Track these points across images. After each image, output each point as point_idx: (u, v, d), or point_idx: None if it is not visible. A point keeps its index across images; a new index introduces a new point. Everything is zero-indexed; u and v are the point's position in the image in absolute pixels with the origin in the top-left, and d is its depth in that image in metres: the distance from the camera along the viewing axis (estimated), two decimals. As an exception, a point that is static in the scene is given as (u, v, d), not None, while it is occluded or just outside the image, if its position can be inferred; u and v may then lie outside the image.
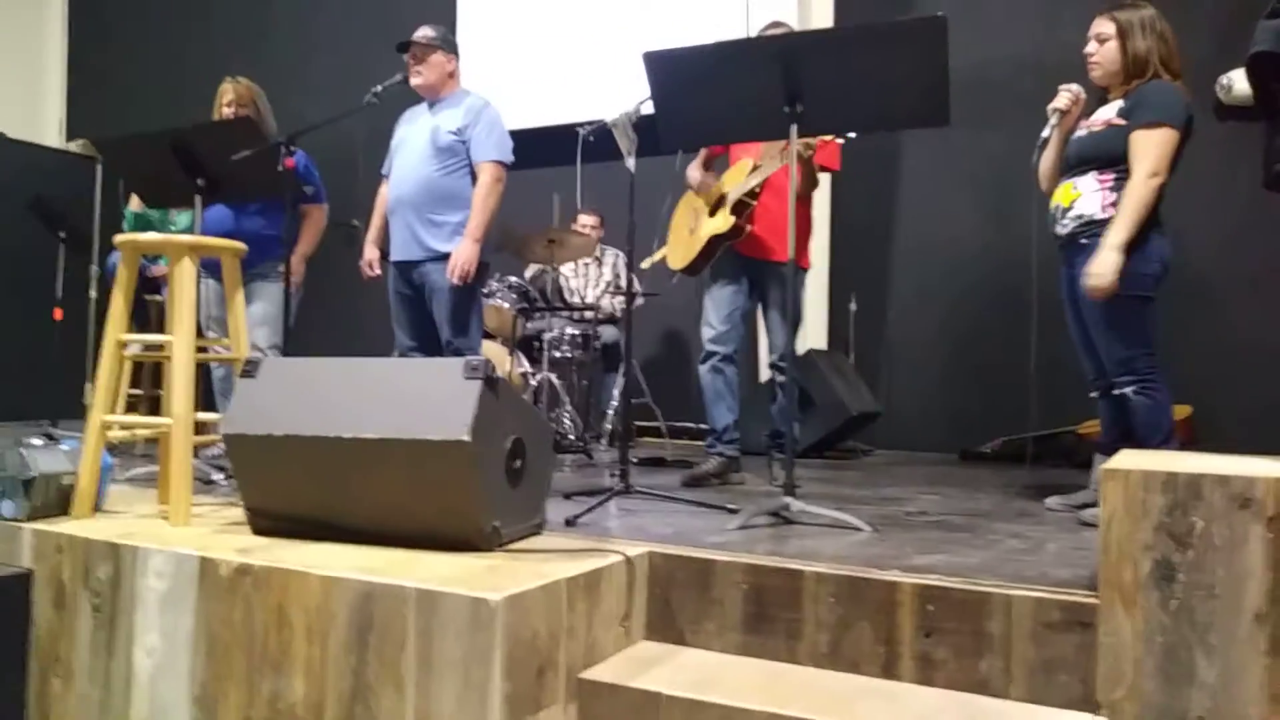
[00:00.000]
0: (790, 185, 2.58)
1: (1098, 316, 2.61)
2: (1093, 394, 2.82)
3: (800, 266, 3.30)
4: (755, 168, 3.24)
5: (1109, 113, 2.66)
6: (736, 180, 3.30)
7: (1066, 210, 2.68)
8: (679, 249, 3.48)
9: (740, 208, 3.24)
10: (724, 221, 3.25)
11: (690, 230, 3.44)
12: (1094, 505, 2.70)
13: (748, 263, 3.31)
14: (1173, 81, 2.60)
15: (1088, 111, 2.76)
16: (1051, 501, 2.85)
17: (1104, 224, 2.58)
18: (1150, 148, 2.52)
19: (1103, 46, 2.68)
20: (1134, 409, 2.58)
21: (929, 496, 3.09)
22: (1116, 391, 2.61)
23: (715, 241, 3.30)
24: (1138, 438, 2.57)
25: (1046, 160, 2.82)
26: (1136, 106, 2.58)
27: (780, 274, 3.24)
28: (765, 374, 3.91)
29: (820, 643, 1.92)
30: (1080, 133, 2.72)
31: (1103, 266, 2.50)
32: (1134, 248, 2.52)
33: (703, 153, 3.43)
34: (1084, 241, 2.63)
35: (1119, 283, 2.49)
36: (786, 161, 3.13)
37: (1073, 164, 2.70)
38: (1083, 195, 2.65)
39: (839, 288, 4.99)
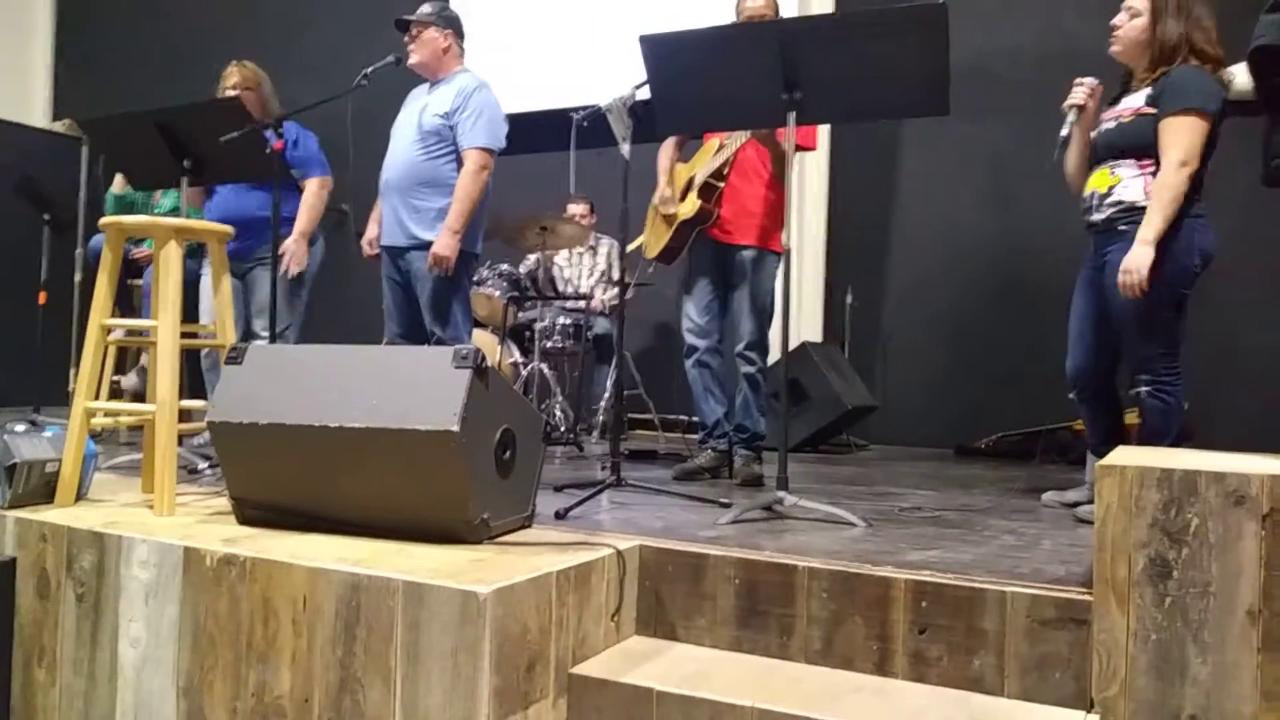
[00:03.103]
0: (788, 169, 2.55)
1: (1130, 311, 2.49)
2: (1071, 394, 2.74)
3: (772, 251, 3.20)
4: (720, 147, 3.17)
5: (1137, 101, 2.54)
6: (704, 161, 3.23)
7: (1104, 196, 2.56)
8: (652, 236, 3.41)
9: (707, 191, 3.17)
10: (690, 206, 3.18)
11: (664, 216, 3.38)
12: (1088, 503, 2.67)
13: (718, 248, 3.23)
14: (1204, 66, 2.46)
15: (1112, 100, 2.66)
16: (1047, 497, 2.84)
17: (1145, 211, 2.46)
18: (1180, 136, 2.41)
19: (1130, 21, 2.56)
20: (1146, 410, 2.52)
21: (923, 492, 3.08)
22: (1132, 391, 2.54)
23: (684, 227, 3.23)
24: (1144, 439, 2.51)
25: (1071, 161, 2.71)
26: (1164, 93, 2.47)
27: (747, 259, 3.18)
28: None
29: (813, 639, 1.90)
30: (1108, 124, 2.60)
31: (1136, 262, 2.39)
32: (1175, 241, 2.41)
33: (673, 137, 3.35)
34: (1122, 228, 2.51)
35: (1159, 279, 2.40)
36: (748, 139, 3.09)
37: (1102, 155, 2.59)
38: (1123, 181, 2.53)
39: (835, 280, 4.96)
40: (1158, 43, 2.51)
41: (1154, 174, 2.48)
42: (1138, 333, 2.51)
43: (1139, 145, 2.50)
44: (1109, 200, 2.56)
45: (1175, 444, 2.50)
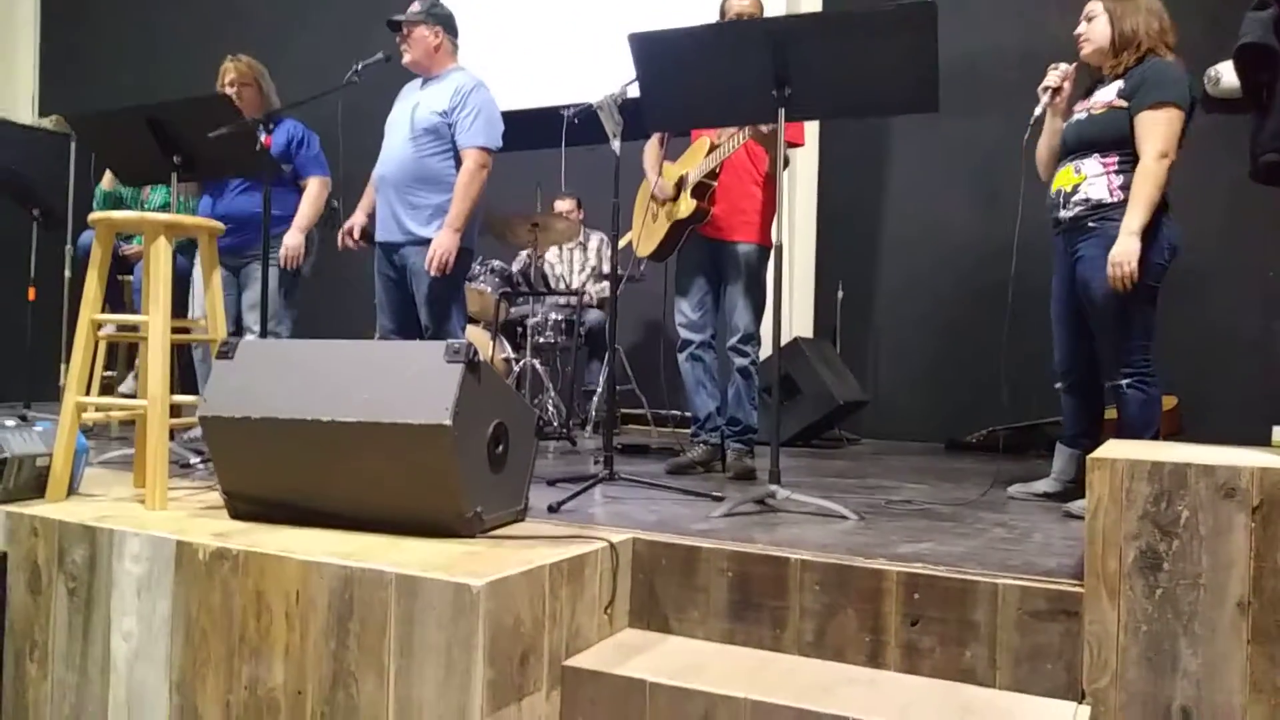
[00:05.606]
0: (777, 165, 2.56)
1: (1108, 306, 2.54)
2: (1058, 385, 2.80)
3: (763, 246, 3.22)
4: (713, 147, 3.17)
5: (1108, 94, 2.61)
6: (695, 160, 3.23)
7: (1070, 195, 2.63)
8: (643, 234, 3.41)
9: (701, 190, 3.18)
10: (685, 206, 3.20)
11: (653, 215, 3.38)
12: (1054, 494, 2.76)
13: (709, 245, 3.25)
14: (1169, 57, 2.56)
15: (1084, 93, 2.73)
16: (1014, 490, 2.86)
17: (1113, 208, 2.54)
18: (1158, 128, 2.48)
19: (1091, 24, 2.68)
20: (1127, 402, 2.56)
21: (915, 485, 3.09)
22: (1110, 383, 2.58)
23: (679, 226, 3.24)
24: (1127, 431, 2.55)
25: (1043, 147, 2.80)
26: (1139, 86, 2.53)
27: (739, 254, 3.19)
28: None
29: (805, 631, 1.91)
30: (1079, 116, 2.67)
31: (1125, 254, 2.45)
32: (1145, 234, 2.47)
33: (656, 134, 3.36)
34: (1092, 225, 2.59)
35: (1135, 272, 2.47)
36: (745, 139, 3.10)
37: (1072, 147, 2.66)
38: (1087, 179, 2.60)
39: (826, 276, 4.98)
40: (1118, 33, 2.61)
41: (1116, 172, 2.56)
42: (1117, 327, 2.55)
43: (1108, 137, 2.56)
44: (1075, 198, 2.63)
45: (1163, 437, 2.54)
